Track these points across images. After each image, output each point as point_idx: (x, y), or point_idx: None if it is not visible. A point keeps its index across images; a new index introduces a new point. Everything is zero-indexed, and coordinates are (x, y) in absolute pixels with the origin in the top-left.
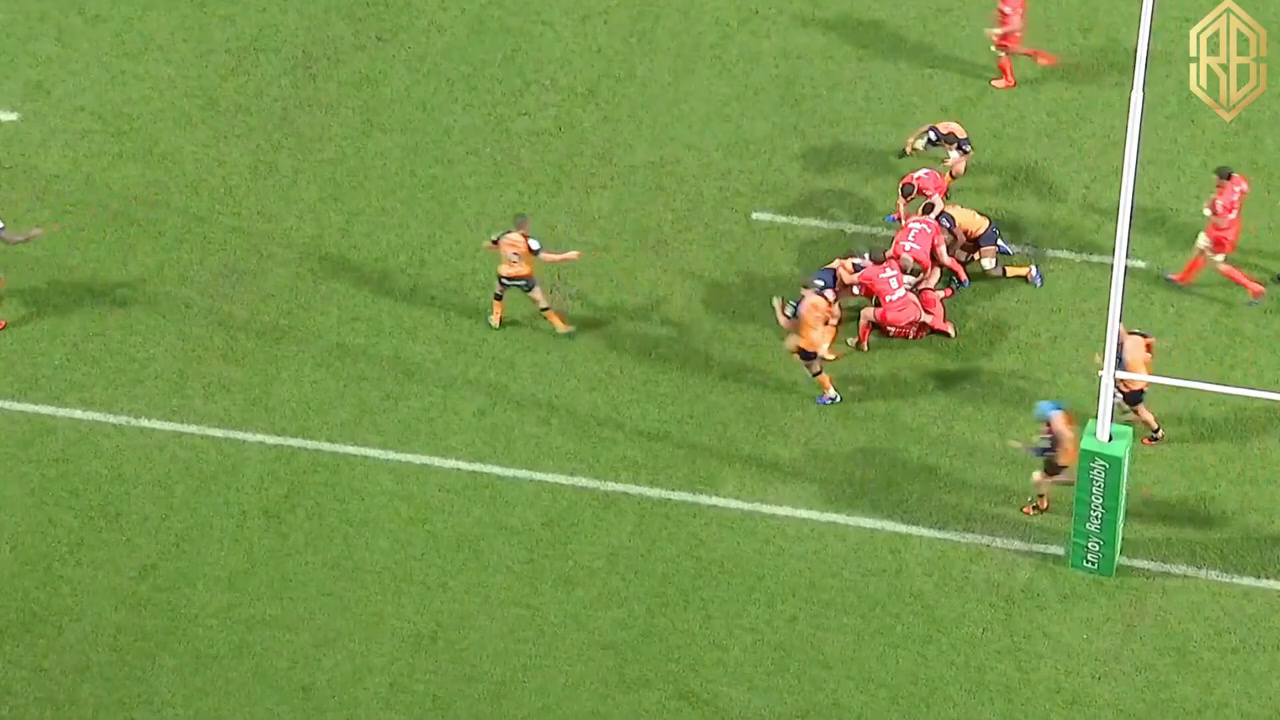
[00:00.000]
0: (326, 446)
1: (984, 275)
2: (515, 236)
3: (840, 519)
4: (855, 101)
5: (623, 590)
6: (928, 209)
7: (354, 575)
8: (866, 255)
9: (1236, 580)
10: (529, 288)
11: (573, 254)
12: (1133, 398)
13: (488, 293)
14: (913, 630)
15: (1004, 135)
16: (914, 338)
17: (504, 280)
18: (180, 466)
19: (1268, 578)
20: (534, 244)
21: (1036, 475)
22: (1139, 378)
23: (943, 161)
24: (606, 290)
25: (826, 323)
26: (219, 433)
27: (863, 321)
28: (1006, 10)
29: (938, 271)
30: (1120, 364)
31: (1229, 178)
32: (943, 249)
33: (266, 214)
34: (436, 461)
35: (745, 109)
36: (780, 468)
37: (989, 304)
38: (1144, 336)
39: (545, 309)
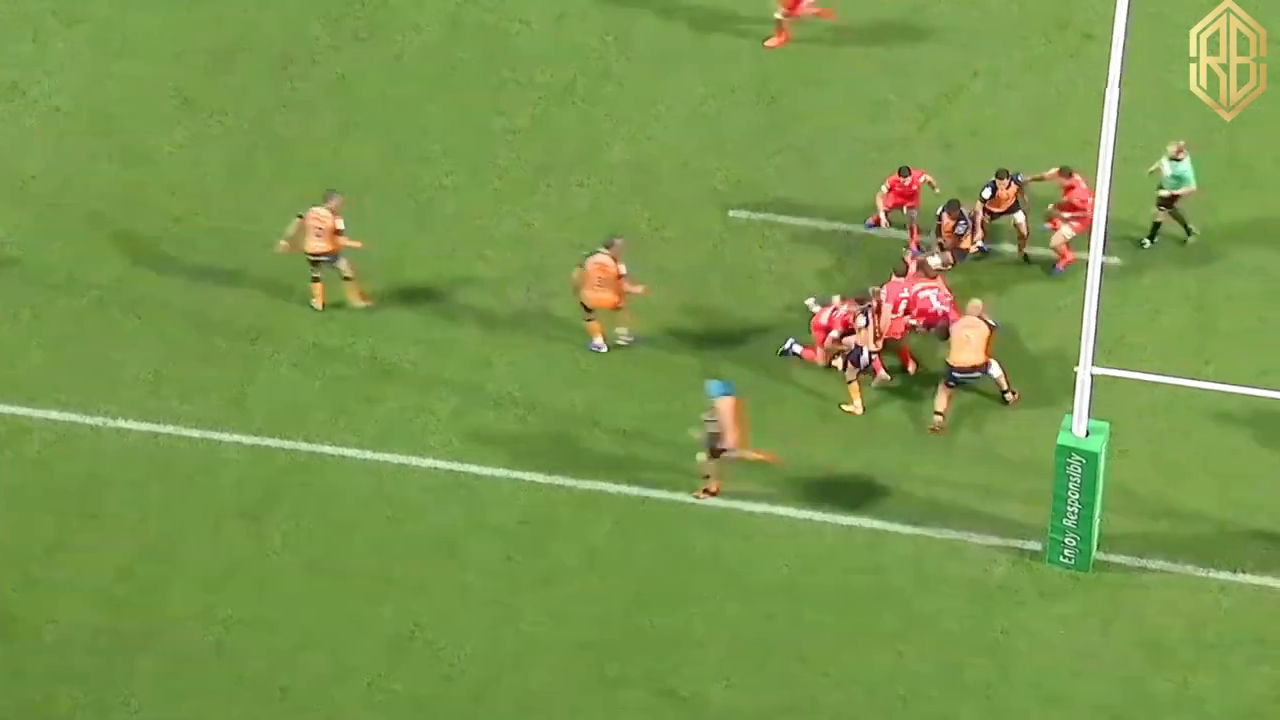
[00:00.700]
0: (304, 447)
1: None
2: (604, 258)
3: (818, 516)
4: (832, 99)
5: (602, 589)
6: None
7: (332, 576)
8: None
9: (1213, 575)
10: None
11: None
12: (961, 378)
13: (464, 291)
14: (890, 627)
15: (981, 133)
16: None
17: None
18: (158, 468)
19: (1244, 573)
20: (622, 268)
21: (701, 457)
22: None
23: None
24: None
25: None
26: (196, 434)
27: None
28: None
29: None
30: (948, 341)
31: (1070, 175)
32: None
33: (244, 215)
34: (414, 461)
35: (722, 107)
36: (758, 465)
37: (964, 300)
38: (989, 326)
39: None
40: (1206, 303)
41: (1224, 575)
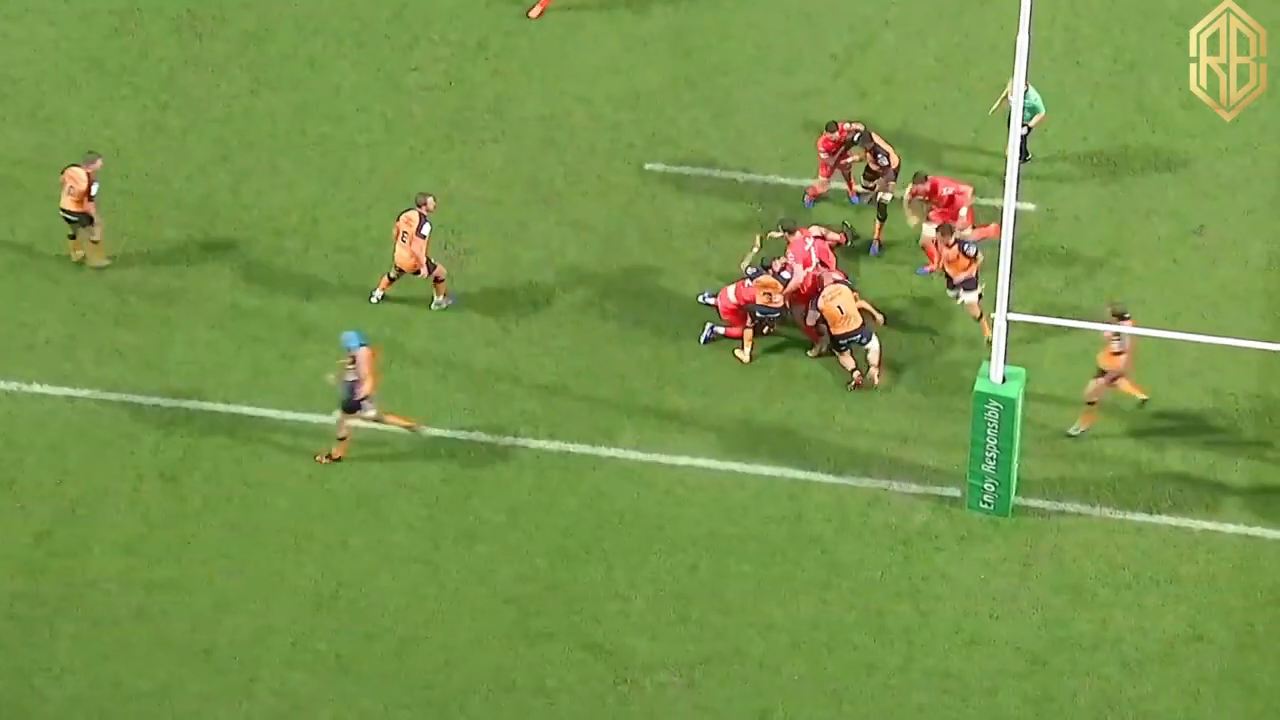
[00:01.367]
0: (223, 408)
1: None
2: (411, 214)
3: (739, 467)
4: (746, 51)
5: (524, 544)
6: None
7: (253, 536)
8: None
9: (1129, 517)
10: None
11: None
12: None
13: (381, 249)
14: (813, 575)
15: (894, 81)
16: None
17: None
18: (74, 432)
19: (1159, 513)
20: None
21: (338, 413)
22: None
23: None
24: (499, 244)
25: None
26: (113, 396)
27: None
28: None
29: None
30: (818, 308)
31: (925, 178)
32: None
33: (155, 175)
34: (334, 420)
35: (635, 60)
36: (679, 418)
37: (886, 252)
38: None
39: None
40: (1120, 247)
41: (1140, 517)
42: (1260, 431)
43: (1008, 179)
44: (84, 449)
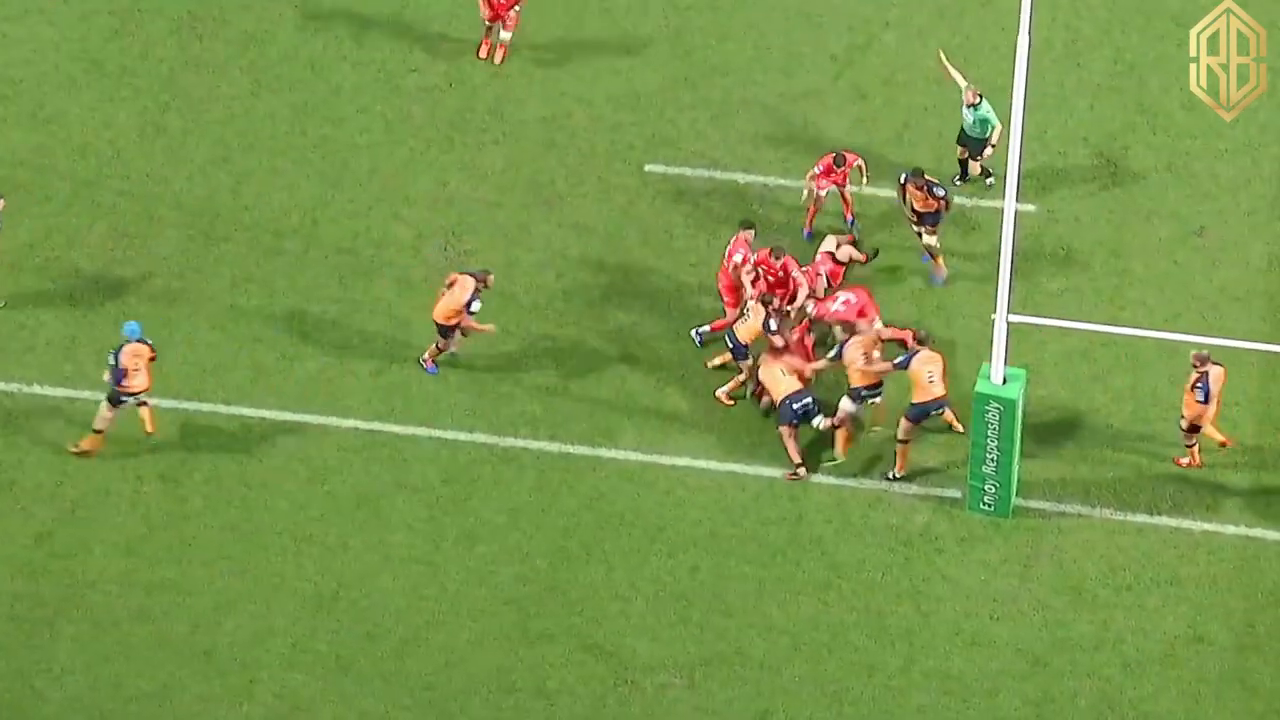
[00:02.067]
0: (223, 409)
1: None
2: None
3: (739, 468)
4: (745, 52)
5: (524, 545)
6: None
7: (253, 537)
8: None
9: (1130, 518)
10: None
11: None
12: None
13: (382, 251)
14: (813, 576)
15: (894, 82)
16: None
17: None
18: (74, 432)
19: (1159, 514)
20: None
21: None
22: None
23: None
24: (500, 246)
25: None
26: None
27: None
28: None
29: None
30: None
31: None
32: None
33: (155, 176)
34: (334, 421)
35: (635, 62)
36: (679, 419)
37: (882, 249)
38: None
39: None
40: (1121, 248)
41: (1140, 518)
42: (1261, 433)
43: (1008, 180)
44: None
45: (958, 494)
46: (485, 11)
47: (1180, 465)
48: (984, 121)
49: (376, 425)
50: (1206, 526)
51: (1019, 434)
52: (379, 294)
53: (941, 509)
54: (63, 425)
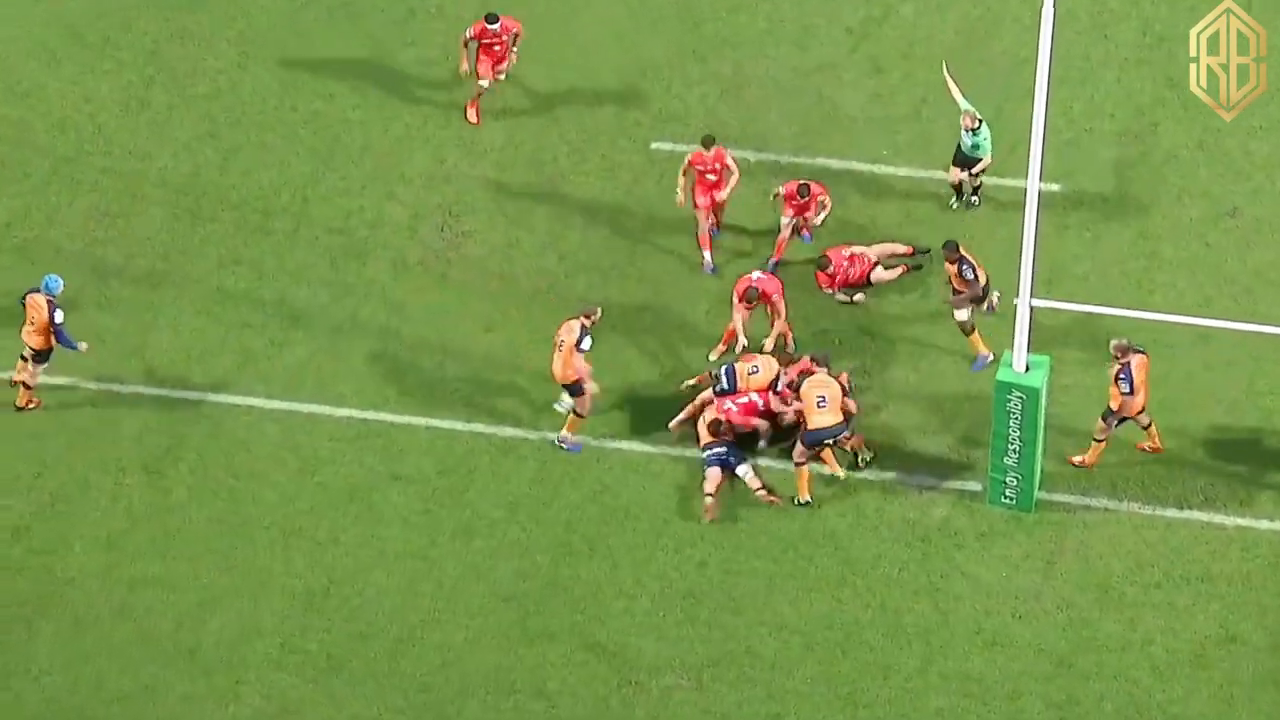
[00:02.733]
0: (209, 397)
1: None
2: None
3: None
4: (757, 24)
5: (524, 540)
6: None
7: (240, 531)
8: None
9: (1159, 512)
10: None
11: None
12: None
13: (376, 231)
14: (827, 572)
15: (913, 56)
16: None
17: None
18: (53, 421)
19: (1190, 509)
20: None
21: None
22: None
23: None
24: (500, 226)
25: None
26: (94, 385)
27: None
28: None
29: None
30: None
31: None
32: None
33: (139, 152)
34: (326, 410)
35: (642, 34)
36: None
37: (902, 236)
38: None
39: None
40: (1150, 229)
41: (1170, 512)
42: None
43: (1031, 158)
44: (63, 440)
45: (978, 487)
46: (483, 69)
47: (1073, 464)
48: (979, 147)
49: (370, 414)
50: (1240, 521)
51: (1042, 424)
52: (372, 276)
53: (961, 502)
54: (41, 413)
